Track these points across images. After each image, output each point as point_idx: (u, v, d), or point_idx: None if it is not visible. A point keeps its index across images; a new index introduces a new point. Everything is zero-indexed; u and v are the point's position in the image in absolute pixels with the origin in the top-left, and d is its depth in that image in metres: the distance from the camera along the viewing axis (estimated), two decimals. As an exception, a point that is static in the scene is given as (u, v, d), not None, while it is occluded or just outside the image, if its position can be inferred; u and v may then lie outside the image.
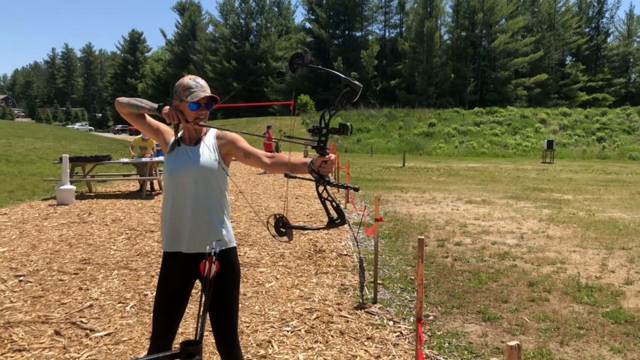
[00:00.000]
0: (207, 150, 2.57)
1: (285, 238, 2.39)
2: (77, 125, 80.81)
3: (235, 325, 2.62)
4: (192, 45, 79.67)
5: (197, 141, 2.59)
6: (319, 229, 2.48)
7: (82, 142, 29.15)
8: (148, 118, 2.73)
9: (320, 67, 2.34)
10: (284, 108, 59.88)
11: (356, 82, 2.10)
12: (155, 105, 2.60)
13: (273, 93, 67.52)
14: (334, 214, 2.30)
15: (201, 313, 2.49)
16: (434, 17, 61.21)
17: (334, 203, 2.28)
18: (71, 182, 11.04)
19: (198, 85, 2.55)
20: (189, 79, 2.58)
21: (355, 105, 52.71)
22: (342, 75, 2.13)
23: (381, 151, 37.25)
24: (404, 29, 70.21)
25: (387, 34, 72.12)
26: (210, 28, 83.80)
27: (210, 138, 2.63)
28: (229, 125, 50.36)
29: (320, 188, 2.31)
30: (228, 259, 2.59)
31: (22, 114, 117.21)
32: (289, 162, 2.39)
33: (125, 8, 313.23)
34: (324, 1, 68.48)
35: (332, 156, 2.25)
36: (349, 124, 2.18)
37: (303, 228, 2.50)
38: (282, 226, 2.35)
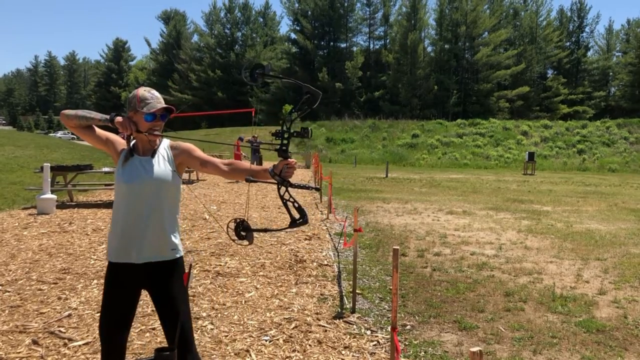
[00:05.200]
0: (163, 161, 2.62)
1: (245, 242, 2.48)
2: (59, 134, 79.84)
3: (189, 331, 2.65)
4: (177, 54, 79.47)
5: (152, 152, 2.62)
6: (281, 230, 2.57)
7: (63, 151, 28.91)
8: (97, 130, 2.71)
9: (281, 75, 2.46)
10: (269, 117, 59.90)
11: (316, 90, 2.26)
12: (107, 116, 2.61)
13: (258, 103, 67.54)
14: (296, 215, 2.40)
15: (180, 320, 2.55)
16: (418, 29, 61.83)
17: (295, 204, 2.39)
18: (52, 191, 10.97)
19: (154, 96, 2.59)
20: (144, 91, 2.62)
21: (339, 116, 53.02)
22: (303, 84, 2.29)
23: (365, 162, 37.45)
24: (388, 40, 70.77)
25: (371, 45, 72.67)
26: (196, 37, 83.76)
27: (164, 149, 2.67)
28: (213, 135, 50.28)
29: (282, 189, 2.40)
30: (181, 267, 2.69)
31: (3, 122, 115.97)
32: (250, 169, 2.49)
33: (109, 16, 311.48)
34: (309, 12, 68.81)
35: (294, 160, 2.38)
36: (310, 128, 2.35)
37: (265, 230, 2.59)
38: (243, 229, 2.43)
